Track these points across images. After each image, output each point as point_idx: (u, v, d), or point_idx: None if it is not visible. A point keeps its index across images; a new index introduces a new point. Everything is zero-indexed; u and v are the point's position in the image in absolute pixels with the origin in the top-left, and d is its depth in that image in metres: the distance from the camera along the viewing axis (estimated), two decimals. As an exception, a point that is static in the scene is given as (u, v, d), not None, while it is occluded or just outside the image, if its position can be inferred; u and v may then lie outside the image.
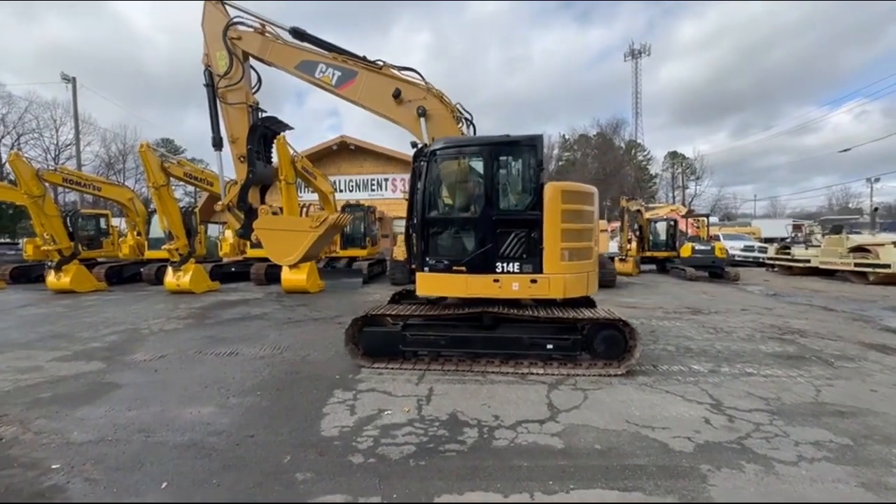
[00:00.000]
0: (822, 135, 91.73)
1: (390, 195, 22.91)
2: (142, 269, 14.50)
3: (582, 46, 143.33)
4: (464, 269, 5.04)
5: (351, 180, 23.48)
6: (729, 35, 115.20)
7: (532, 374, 4.80)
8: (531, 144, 5.06)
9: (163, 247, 12.31)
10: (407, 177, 24.65)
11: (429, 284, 5.23)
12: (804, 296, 11.21)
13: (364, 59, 5.97)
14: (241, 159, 6.27)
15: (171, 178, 11.96)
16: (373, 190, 23.36)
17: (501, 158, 5.10)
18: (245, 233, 6.36)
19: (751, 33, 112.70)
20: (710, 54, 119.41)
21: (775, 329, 7.15)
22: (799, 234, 26.23)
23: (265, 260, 14.46)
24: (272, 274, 13.54)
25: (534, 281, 4.93)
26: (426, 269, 5.19)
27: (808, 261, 15.89)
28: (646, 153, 58.81)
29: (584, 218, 5.13)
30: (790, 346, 6.09)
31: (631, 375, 4.71)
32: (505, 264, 4.98)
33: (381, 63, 5.90)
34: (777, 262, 17.91)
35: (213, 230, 18.91)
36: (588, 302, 5.63)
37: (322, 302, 10.37)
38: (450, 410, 3.88)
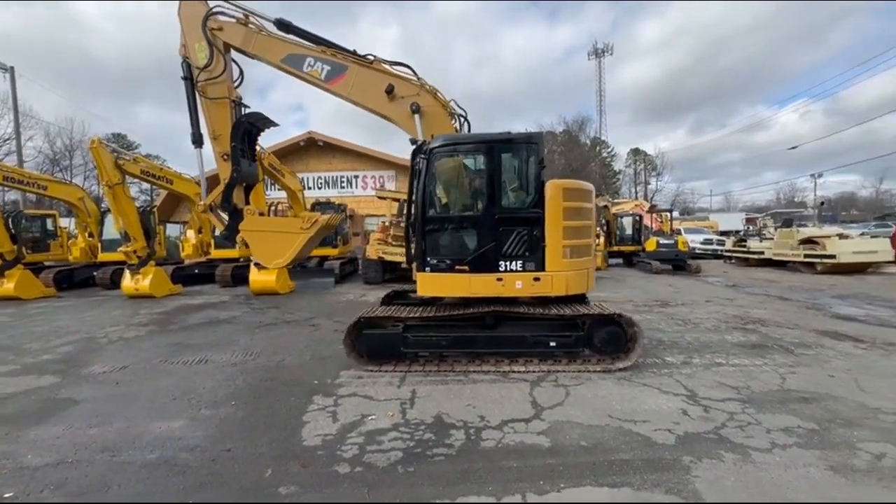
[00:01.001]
0: (771, 133, 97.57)
1: (361, 192, 22.55)
2: (95, 273, 13.60)
3: (550, 45, 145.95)
4: (466, 268, 4.98)
5: (320, 177, 22.95)
6: (687, 36, 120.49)
7: (514, 371, 4.82)
8: (532, 142, 5.07)
9: (119, 249, 11.59)
10: (378, 174, 24.36)
11: (430, 284, 5.14)
12: (761, 286, 11.84)
13: (354, 53, 5.80)
14: (225, 157, 5.99)
15: (127, 176, 11.27)
16: (343, 187, 22.93)
17: (503, 156, 5.04)
18: (230, 235, 6.09)
19: (707, 35, 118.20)
20: (670, 54, 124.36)
21: (738, 319, 7.50)
22: (752, 228, 27.68)
23: (231, 261, 13.92)
24: (239, 275, 13.02)
25: (537, 279, 4.93)
26: (427, 269, 5.10)
27: (763, 253, 16.80)
28: (610, 150, 60.49)
29: (584, 215, 5.17)
30: (753, 335, 6.40)
31: (609, 371, 4.80)
32: (508, 263, 4.95)
33: (371, 58, 5.74)
34: (734, 255, 18.86)
35: (172, 230, 18.02)
36: (581, 298, 5.60)
37: (293, 303, 10.06)
38: (434, 413, 3.82)
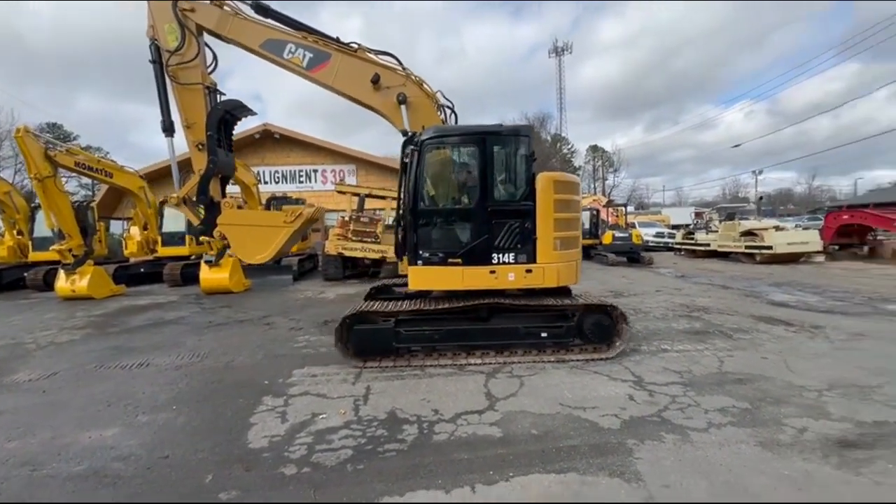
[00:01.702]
0: (718, 131, 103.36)
1: (320, 187, 21.96)
2: (26, 274, 12.56)
3: (513, 42, 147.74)
4: (460, 261, 4.94)
5: (276, 171, 22.15)
6: (645, 37, 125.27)
7: (470, 364, 4.84)
8: (523, 134, 5.09)
9: (51, 247, 10.74)
10: (338, 168, 23.72)
11: (423, 278, 5.06)
12: (706, 276, 12.53)
13: (337, 40, 5.62)
14: (200, 147, 5.68)
15: (61, 169, 10.42)
16: (301, 182, 22.24)
17: (495, 148, 5.01)
18: (206, 229, 5.81)
19: (664, 37, 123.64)
20: (629, 54, 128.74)
21: (684, 307, 7.90)
22: (700, 221, 29.24)
23: (181, 258, 13.26)
24: (189, 274, 12.38)
25: (529, 271, 4.96)
26: (419, 262, 5.02)
27: (709, 245, 17.80)
28: (570, 146, 62.02)
29: (573, 207, 5.24)
30: (697, 322, 6.75)
31: (563, 361, 4.91)
32: (500, 255, 4.96)
33: (355, 46, 5.58)
34: (683, 247, 19.87)
35: (115, 227, 16.90)
36: (565, 290, 5.64)
37: (248, 302, 9.67)
38: (388, 408, 3.78)
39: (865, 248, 16.65)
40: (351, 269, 13.27)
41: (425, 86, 5.64)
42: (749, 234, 15.90)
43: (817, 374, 4.38)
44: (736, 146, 43.02)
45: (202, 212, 6.19)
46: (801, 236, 15.52)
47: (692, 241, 19.13)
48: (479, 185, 4.99)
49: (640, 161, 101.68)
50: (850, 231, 16.59)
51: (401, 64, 5.63)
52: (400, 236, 5.29)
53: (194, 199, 5.95)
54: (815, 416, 3.44)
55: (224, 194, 6.10)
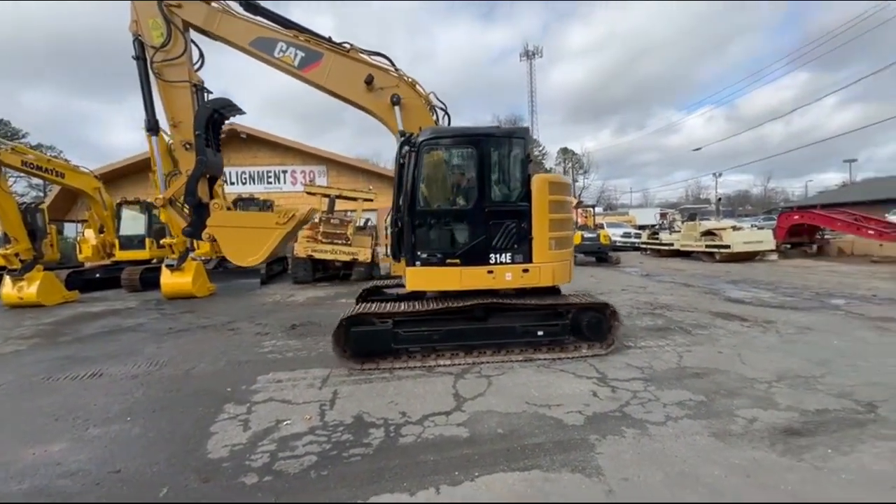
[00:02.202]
0: (682, 135, 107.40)
1: (290, 188, 21.48)
2: (-34, 281, 11.71)
3: (485, 45, 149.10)
4: (458, 261, 4.96)
5: (244, 172, 21.53)
6: (612, 43, 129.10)
7: (440, 365, 4.84)
8: (519, 136, 5.19)
9: (-5, 252, 10.06)
10: (308, 168, 23.24)
11: (421, 279, 5.06)
12: (669, 275, 13.00)
13: (329, 39, 5.54)
14: (187, 147, 5.48)
15: (7, 169, 9.79)
16: (269, 182, 21.70)
17: (492, 150, 5.06)
18: (194, 231, 5.60)
19: (629, 43, 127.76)
20: (596, 59, 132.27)
21: (648, 305, 8.17)
22: (664, 222, 30.32)
23: (141, 262, 12.69)
24: (149, 279, 11.84)
25: (526, 270, 5.03)
26: (417, 263, 5.00)
27: (672, 244, 18.49)
28: (541, 149, 63.12)
29: (566, 208, 5.37)
30: (659, 319, 7.00)
31: (530, 360, 4.98)
32: (498, 255, 5.01)
33: (347, 46, 5.52)
34: (649, 247, 20.55)
35: (69, 230, 16.02)
36: (555, 289, 5.70)
37: (212, 307, 9.36)
38: (355, 412, 3.73)
39: (814, 247, 17.70)
40: (321, 271, 13.06)
41: (418, 87, 5.69)
42: (709, 233, 16.60)
43: (768, 366, 4.62)
44: (697, 149, 44.89)
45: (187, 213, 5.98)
46: (756, 236, 16.33)
47: (657, 241, 19.81)
48: (476, 186, 5.06)
49: (609, 163, 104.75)
50: (801, 230, 17.59)
51: (393, 65, 5.65)
52: (396, 238, 5.29)
53: (181, 200, 5.78)
54: (764, 407, 3.62)
55: (212, 195, 5.93)
